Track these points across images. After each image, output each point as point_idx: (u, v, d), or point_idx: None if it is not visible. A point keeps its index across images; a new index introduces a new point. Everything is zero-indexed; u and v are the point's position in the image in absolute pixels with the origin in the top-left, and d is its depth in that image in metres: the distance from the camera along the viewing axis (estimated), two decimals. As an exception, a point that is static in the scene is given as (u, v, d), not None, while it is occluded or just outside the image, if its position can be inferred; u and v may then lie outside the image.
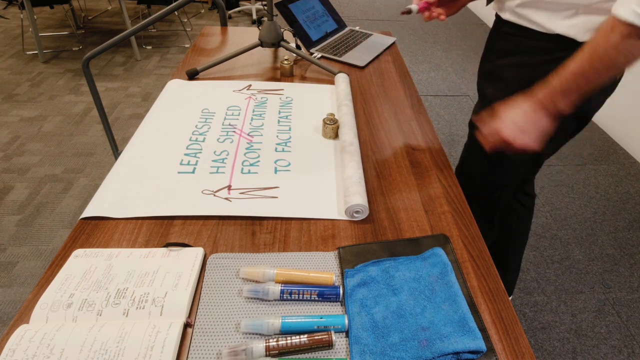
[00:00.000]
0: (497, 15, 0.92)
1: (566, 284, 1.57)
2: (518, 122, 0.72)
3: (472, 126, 1.06)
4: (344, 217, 0.71)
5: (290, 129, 0.94)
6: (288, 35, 1.36)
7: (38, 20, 3.56)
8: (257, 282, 0.60)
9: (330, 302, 0.58)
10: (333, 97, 1.08)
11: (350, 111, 0.94)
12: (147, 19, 1.28)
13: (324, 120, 0.90)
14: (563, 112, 0.70)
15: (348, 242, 0.67)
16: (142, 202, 0.72)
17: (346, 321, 0.54)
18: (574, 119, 0.86)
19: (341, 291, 0.58)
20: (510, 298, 1.42)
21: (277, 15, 1.18)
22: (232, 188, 0.76)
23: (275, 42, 1.17)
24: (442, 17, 0.97)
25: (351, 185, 0.73)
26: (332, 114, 0.90)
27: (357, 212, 0.70)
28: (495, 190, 1.08)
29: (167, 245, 0.64)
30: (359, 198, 0.70)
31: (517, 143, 0.73)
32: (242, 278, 0.60)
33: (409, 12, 0.97)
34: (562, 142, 0.97)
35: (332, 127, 0.89)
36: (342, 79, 1.08)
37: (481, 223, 0.90)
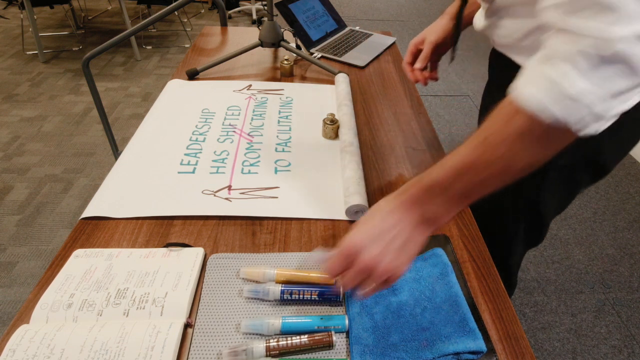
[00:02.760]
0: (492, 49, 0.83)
1: (566, 284, 1.57)
2: (373, 233, 0.47)
3: None
4: (345, 217, 0.71)
5: (290, 129, 0.94)
6: (288, 35, 1.36)
7: (38, 20, 3.56)
8: (257, 282, 0.60)
9: (330, 302, 0.58)
10: (333, 97, 1.08)
11: (350, 111, 0.94)
12: (147, 19, 1.28)
13: (324, 120, 0.90)
14: (439, 222, 0.48)
15: (348, 242, 0.67)
16: (142, 202, 0.72)
17: (346, 321, 0.54)
18: (589, 171, 0.75)
19: (341, 292, 0.58)
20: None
21: (277, 15, 1.18)
22: (232, 188, 0.76)
23: (275, 42, 1.16)
24: (435, 76, 0.89)
25: (351, 185, 0.73)
26: (332, 114, 0.90)
27: (357, 212, 0.70)
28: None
29: (168, 245, 0.64)
30: (359, 198, 0.70)
31: (374, 267, 0.47)
32: (243, 278, 0.60)
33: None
34: (571, 198, 0.84)
35: (332, 127, 0.89)
36: (342, 79, 1.08)
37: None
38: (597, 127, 0.40)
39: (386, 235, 0.47)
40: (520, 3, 0.63)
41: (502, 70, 0.75)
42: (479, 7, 0.81)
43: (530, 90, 0.41)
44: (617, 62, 0.37)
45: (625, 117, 0.43)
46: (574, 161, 0.73)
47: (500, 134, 0.43)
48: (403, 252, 0.48)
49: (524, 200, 0.82)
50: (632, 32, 0.36)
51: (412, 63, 0.89)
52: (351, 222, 0.71)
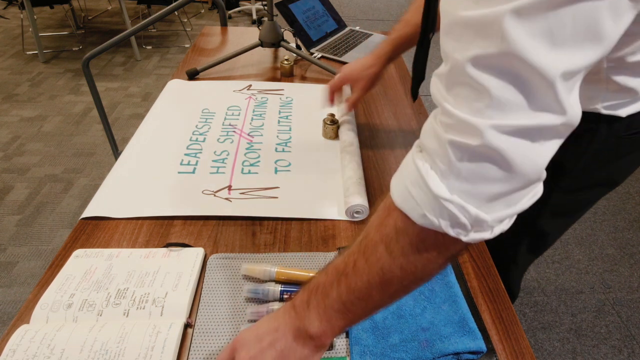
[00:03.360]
0: None
1: (566, 284, 1.57)
2: (257, 334, 0.45)
3: None
4: (345, 218, 0.71)
5: (290, 129, 0.94)
6: (288, 35, 1.36)
7: (38, 20, 3.56)
8: (257, 279, 0.60)
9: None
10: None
11: (350, 111, 0.94)
12: (147, 19, 1.28)
13: (324, 120, 0.90)
14: (323, 339, 0.43)
15: (348, 243, 0.67)
16: (142, 202, 0.72)
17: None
18: (599, 189, 0.74)
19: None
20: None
21: (277, 15, 1.18)
22: (232, 188, 0.76)
23: (275, 42, 1.16)
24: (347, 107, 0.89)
25: (351, 185, 0.73)
26: (332, 114, 0.90)
27: (357, 212, 0.70)
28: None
29: (168, 245, 0.64)
30: (359, 198, 0.70)
31: None
32: (243, 275, 0.60)
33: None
34: (579, 216, 0.83)
35: (332, 128, 0.89)
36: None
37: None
38: (483, 235, 0.35)
39: (265, 339, 0.44)
40: None
41: None
42: (412, 30, 0.79)
43: (399, 186, 0.36)
44: (487, 157, 0.31)
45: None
46: (580, 182, 0.73)
47: (375, 236, 0.38)
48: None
49: (523, 225, 0.80)
50: (503, 124, 0.30)
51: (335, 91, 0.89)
52: (351, 222, 0.71)
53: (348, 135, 0.86)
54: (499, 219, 0.34)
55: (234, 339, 0.46)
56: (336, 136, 0.91)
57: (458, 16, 0.31)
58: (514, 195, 0.33)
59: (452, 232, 0.34)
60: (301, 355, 0.43)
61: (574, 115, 0.30)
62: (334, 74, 1.15)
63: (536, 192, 0.35)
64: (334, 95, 0.89)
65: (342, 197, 0.75)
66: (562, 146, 0.33)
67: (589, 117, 0.54)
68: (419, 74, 0.78)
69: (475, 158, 0.32)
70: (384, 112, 1.03)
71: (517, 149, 0.31)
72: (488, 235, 0.35)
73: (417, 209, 0.34)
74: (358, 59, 0.85)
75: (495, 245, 0.82)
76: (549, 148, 0.32)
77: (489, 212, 0.33)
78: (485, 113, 0.30)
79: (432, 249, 0.36)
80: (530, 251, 0.90)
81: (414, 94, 0.82)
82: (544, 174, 0.33)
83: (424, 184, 0.34)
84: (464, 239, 0.34)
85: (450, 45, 0.32)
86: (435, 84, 0.35)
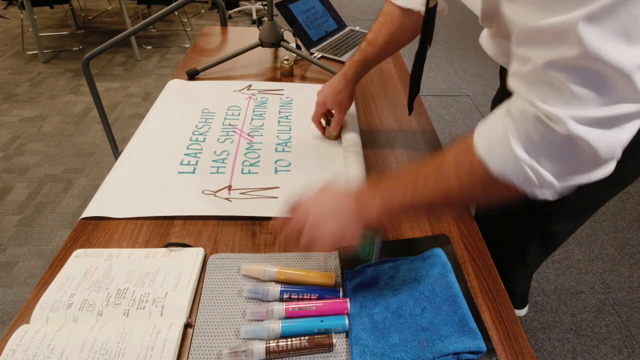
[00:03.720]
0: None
1: (566, 284, 1.57)
2: (319, 202, 0.54)
3: None
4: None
5: (290, 129, 0.94)
6: (288, 35, 1.36)
7: (38, 20, 3.56)
8: (257, 279, 0.60)
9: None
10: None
11: (353, 111, 0.94)
12: (147, 19, 1.28)
13: (326, 120, 0.90)
14: (369, 223, 0.52)
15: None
16: (142, 202, 0.72)
17: (346, 321, 0.54)
18: (613, 186, 0.73)
19: (341, 293, 0.58)
20: (525, 311, 1.40)
21: (277, 15, 1.18)
22: (232, 188, 0.76)
23: (275, 42, 1.16)
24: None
25: (355, 185, 0.73)
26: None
27: None
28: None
29: (168, 245, 0.64)
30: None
31: (305, 223, 0.53)
32: (243, 275, 0.60)
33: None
34: (591, 214, 0.83)
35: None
36: None
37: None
38: (546, 196, 0.40)
39: (327, 207, 0.53)
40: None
41: None
42: (377, 50, 0.80)
43: (485, 138, 0.42)
44: (569, 142, 0.36)
45: None
46: (597, 183, 0.73)
47: (451, 165, 0.46)
48: (331, 227, 0.52)
49: (534, 226, 0.81)
50: (584, 115, 0.35)
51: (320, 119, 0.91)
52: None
53: (351, 135, 0.86)
54: (567, 187, 0.40)
55: (298, 201, 0.55)
56: (338, 136, 0.91)
57: (531, 26, 0.34)
58: (588, 172, 0.39)
59: (522, 188, 0.40)
60: (353, 231, 0.52)
61: None
62: (334, 73, 1.15)
63: (609, 169, 0.40)
64: (321, 125, 0.91)
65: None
66: None
67: None
68: (415, 89, 0.80)
69: (558, 141, 0.37)
70: (384, 112, 1.03)
71: (597, 136, 0.35)
72: (550, 197, 0.41)
73: (497, 164, 0.40)
74: (327, 83, 0.87)
75: (504, 245, 0.83)
76: (628, 131, 0.36)
77: (561, 180, 0.39)
78: (568, 107, 0.34)
79: (497, 192, 0.43)
80: (540, 252, 0.90)
81: (410, 108, 0.83)
82: (619, 153, 0.38)
83: (508, 146, 0.39)
84: (530, 193, 0.41)
85: (526, 51, 0.36)
86: (514, 82, 0.40)
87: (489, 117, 0.44)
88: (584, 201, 0.77)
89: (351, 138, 0.85)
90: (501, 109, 0.43)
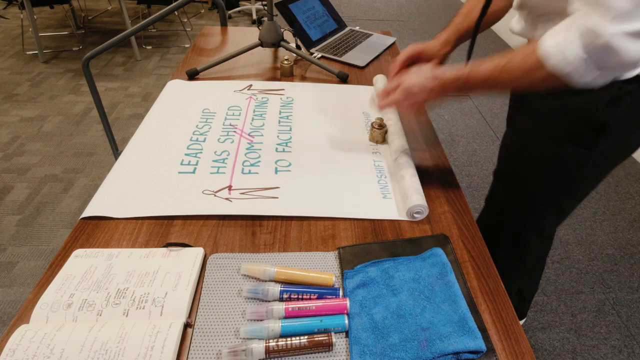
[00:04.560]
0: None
1: (566, 284, 1.57)
2: (420, 83, 0.72)
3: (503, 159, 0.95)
4: (344, 216, 0.71)
5: (291, 129, 0.94)
6: (288, 35, 1.36)
7: (38, 20, 3.56)
8: (257, 279, 0.60)
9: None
10: (334, 96, 1.08)
11: (396, 116, 0.94)
12: (147, 19, 1.28)
13: (372, 124, 0.90)
14: (450, 95, 0.73)
15: (348, 242, 0.67)
16: (142, 202, 0.72)
17: (346, 321, 0.54)
18: (624, 154, 0.79)
19: (341, 293, 0.58)
20: (523, 321, 1.41)
21: (277, 15, 1.18)
22: (232, 188, 0.76)
23: (275, 42, 1.16)
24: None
25: (410, 187, 0.74)
26: (380, 119, 0.89)
27: (417, 212, 0.72)
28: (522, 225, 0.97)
29: (167, 245, 0.64)
30: (420, 199, 0.71)
31: (406, 100, 0.73)
32: (243, 275, 0.60)
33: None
34: (598, 183, 0.86)
35: (380, 132, 0.89)
36: (380, 79, 1.07)
37: (508, 262, 0.87)
38: (586, 84, 0.58)
39: (426, 78, 0.72)
40: (555, 12, 0.68)
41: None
42: (471, 23, 0.86)
43: (548, 43, 0.58)
44: (605, 50, 0.54)
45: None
46: (615, 146, 0.76)
47: (519, 60, 0.62)
48: (425, 95, 0.72)
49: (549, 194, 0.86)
50: (621, 30, 0.52)
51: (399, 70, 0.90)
52: (351, 222, 0.71)
53: (401, 140, 0.86)
54: (600, 82, 0.59)
55: (402, 79, 0.74)
56: (384, 140, 0.91)
57: None
58: (614, 71, 0.59)
59: (566, 79, 0.59)
60: (435, 101, 0.73)
61: None
62: (334, 73, 1.15)
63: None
64: (400, 70, 0.88)
65: (344, 197, 0.75)
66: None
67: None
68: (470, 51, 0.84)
69: (597, 48, 0.55)
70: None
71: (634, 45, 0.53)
72: (593, 84, 0.59)
73: (557, 59, 0.57)
74: (423, 42, 0.88)
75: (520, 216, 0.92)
76: None
77: (596, 76, 0.58)
78: (609, 21, 0.52)
79: (553, 83, 0.60)
80: (553, 222, 0.96)
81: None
82: None
83: (573, 45, 0.56)
84: (574, 84, 0.59)
85: None
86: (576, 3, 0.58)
87: (552, 30, 0.59)
88: (602, 166, 0.80)
89: (401, 142, 0.85)
90: (562, 23, 0.58)
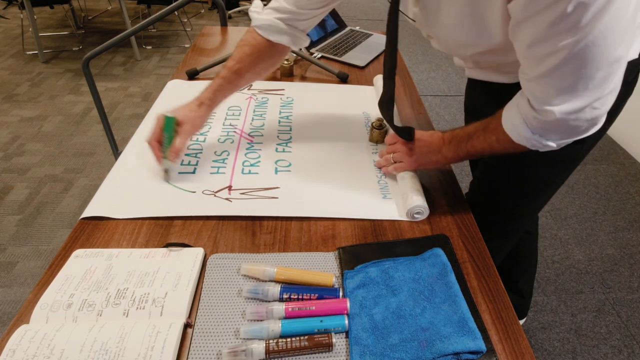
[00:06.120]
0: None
1: (566, 284, 1.57)
2: (424, 150, 0.77)
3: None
4: (344, 217, 0.71)
5: (291, 129, 0.94)
6: (288, 35, 1.35)
7: (38, 20, 3.56)
8: (257, 279, 0.60)
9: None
10: (334, 96, 1.08)
11: (396, 116, 0.93)
12: (147, 19, 1.28)
13: (372, 124, 0.90)
14: (445, 158, 0.76)
15: (348, 243, 0.67)
16: (142, 202, 0.72)
17: (346, 321, 0.54)
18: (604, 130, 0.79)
19: (341, 293, 0.58)
20: (523, 321, 1.41)
21: (277, 15, 1.17)
22: (232, 188, 0.76)
23: (276, 42, 1.16)
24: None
25: (410, 188, 0.74)
26: (380, 119, 0.89)
27: (417, 213, 0.72)
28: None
29: (167, 245, 0.64)
30: (420, 199, 0.71)
31: (407, 161, 0.78)
32: (243, 275, 0.60)
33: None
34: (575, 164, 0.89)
35: (379, 132, 0.89)
36: (380, 80, 1.06)
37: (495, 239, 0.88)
38: (557, 146, 0.62)
39: (422, 145, 0.77)
40: (505, 64, 0.73)
41: (482, 89, 0.89)
42: (235, 77, 0.81)
43: (506, 123, 0.65)
44: (551, 126, 0.59)
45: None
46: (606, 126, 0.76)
47: (492, 132, 0.68)
48: (422, 158, 0.78)
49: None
50: (560, 110, 0.55)
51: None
52: (351, 222, 0.71)
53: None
54: (563, 145, 0.62)
55: (410, 144, 0.79)
56: (382, 140, 0.91)
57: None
58: (577, 136, 0.60)
59: (533, 147, 0.63)
60: (437, 159, 0.77)
61: None
62: (334, 73, 1.15)
63: (598, 127, 0.59)
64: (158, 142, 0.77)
65: (342, 197, 0.75)
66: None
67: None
68: (389, 113, 0.81)
69: (551, 123, 0.58)
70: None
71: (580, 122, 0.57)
72: (554, 148, 0.63)
73: (516, 137, 0.64)
74: (180, 106, 0.80)
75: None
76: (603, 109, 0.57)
77: (557, 143, 0.62)
78: (553, 102, 0.55)
79: (518, 148, 0.65)
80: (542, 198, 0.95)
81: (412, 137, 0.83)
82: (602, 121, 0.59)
83: (521, 128, 0.62)
84: (539, 149, 0.64)
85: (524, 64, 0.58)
86: (521, 81, 0.61)
87: (510, 103, 0.65)
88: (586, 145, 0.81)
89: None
90: (516, 100, 0.64)
